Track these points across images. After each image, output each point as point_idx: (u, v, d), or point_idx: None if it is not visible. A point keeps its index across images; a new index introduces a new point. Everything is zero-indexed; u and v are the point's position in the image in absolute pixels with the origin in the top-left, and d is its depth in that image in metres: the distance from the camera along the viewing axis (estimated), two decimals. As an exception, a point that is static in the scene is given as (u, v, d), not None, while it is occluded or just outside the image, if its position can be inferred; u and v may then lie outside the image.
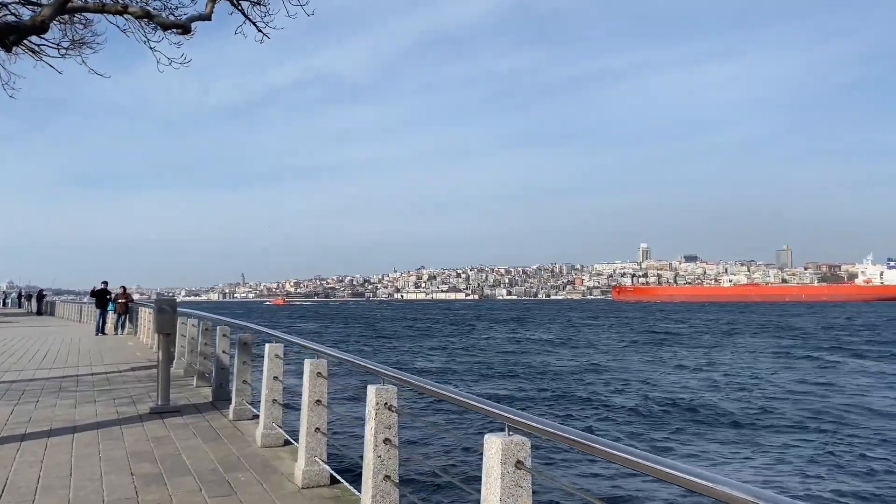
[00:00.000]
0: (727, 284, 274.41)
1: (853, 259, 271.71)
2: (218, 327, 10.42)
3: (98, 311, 25.20)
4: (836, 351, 35.70)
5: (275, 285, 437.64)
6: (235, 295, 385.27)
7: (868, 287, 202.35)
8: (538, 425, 3.16)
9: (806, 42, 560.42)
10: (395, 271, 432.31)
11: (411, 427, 14.27)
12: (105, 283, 25.96)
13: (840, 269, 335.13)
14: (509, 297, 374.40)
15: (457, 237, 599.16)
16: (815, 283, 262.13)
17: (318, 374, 6.14)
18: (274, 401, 7.36)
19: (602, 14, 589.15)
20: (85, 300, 39.80)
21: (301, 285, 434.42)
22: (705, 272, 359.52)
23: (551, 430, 3.08)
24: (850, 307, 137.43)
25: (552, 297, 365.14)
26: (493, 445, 3.29)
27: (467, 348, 37.60)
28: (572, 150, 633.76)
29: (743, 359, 31.35)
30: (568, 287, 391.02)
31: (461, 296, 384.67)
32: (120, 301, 25.18)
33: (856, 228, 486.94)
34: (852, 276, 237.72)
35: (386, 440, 4.76)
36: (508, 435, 3.31)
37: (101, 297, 25.33)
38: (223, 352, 10.12)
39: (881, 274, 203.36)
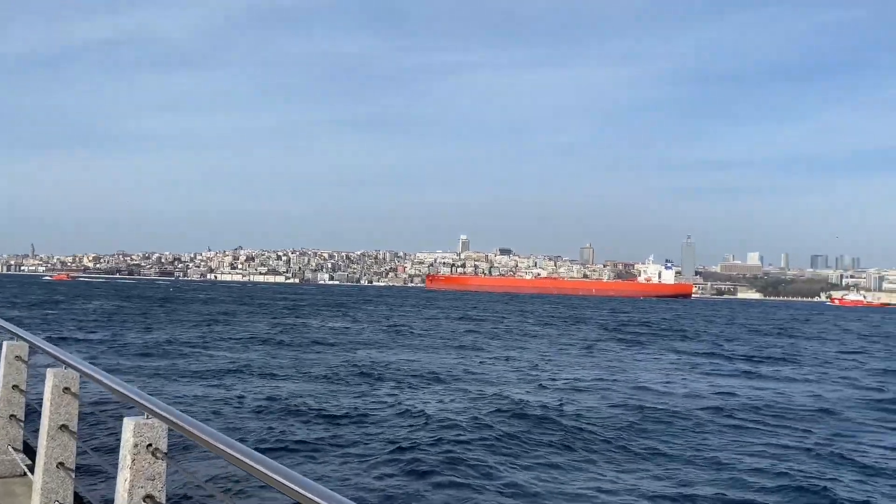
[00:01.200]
0: (529, 277, 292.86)
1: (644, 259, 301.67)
2: None
3: None
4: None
5: (70, 259, 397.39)
6: (23, 267, 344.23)
7: (648, 285, 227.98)
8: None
9: (620, 59, 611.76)
10: (210, 250, 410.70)
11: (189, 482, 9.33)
12: None
13: (634, 268, 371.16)
14: (331, 282, 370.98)
15: (279, 218, 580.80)
16: (605, 280, 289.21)
17: (66, 389, 4.47)
18: (12, 417, 5.51)
19: (441, 8, 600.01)
20: None
21: (101, 260, 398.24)
22: (517, 265, 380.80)
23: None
24: (629, 302, 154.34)
25: (374, 283, 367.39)
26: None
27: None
28: (402, 139, 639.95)
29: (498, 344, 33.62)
30: (391, 274, 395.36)
31: (281, 279, 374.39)
32: None
33: (646, 231, 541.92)
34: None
35: (147, 497, 3.43)
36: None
37: None
38: None
39: (659, 274, 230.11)
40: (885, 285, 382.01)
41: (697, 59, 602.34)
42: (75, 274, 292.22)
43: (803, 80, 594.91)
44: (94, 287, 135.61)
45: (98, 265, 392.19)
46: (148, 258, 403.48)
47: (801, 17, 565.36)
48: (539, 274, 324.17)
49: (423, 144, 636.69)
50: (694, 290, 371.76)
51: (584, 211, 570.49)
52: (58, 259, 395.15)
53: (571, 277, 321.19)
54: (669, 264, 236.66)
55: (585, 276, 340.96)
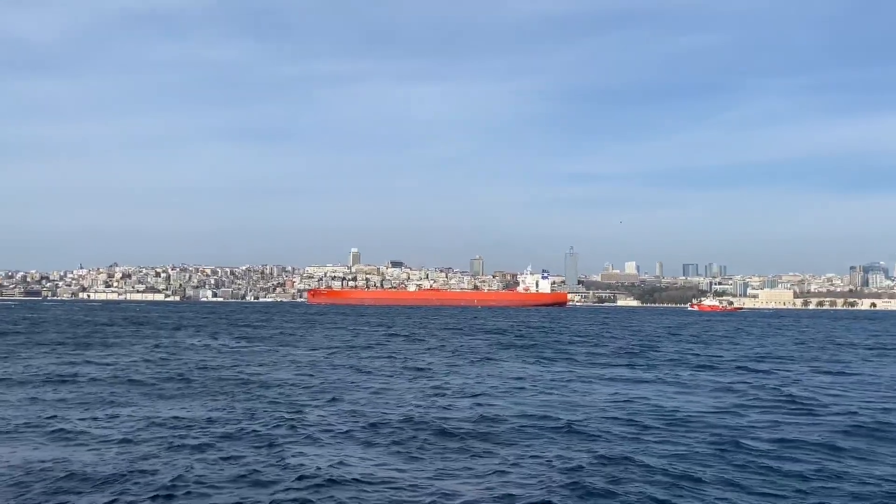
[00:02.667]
0: (413, 289, 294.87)
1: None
2: None
3: None
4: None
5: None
6: None
7: (527, 294, 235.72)
8: None
9: (501, 74, 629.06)
10: (81, 268, 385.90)
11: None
12: None
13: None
14: (215, 299, 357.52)
15: (158, 233, 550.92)
16: (485, 290, 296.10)
17: None
18: None
19: (321, 18, 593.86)
20: None
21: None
22: (409, 277, 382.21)
23: None
24: (509, 311, 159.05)
25: (261, 300, 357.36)
26: None
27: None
28: (288, 149, 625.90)
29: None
30: (278, 289, 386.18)
31: (160, 297, 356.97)
32: None
33: (532, 242, 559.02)
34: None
35: None
36: None
37: None
38: None
39: (537, 283, 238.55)
40: (749, 291, 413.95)
41: (576, 75, 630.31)
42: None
43: (669, 99, 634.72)
44: None
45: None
46: (11, 277, 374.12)
47: (665, 40, 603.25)
48: (421, 286, 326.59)
49: (307, 156, 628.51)
50: (576, 298, 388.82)
51: (473, 223, 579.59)
52: None
53: (461, 289, 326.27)
54: (546, 274, 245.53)
55: (476, 287, 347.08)
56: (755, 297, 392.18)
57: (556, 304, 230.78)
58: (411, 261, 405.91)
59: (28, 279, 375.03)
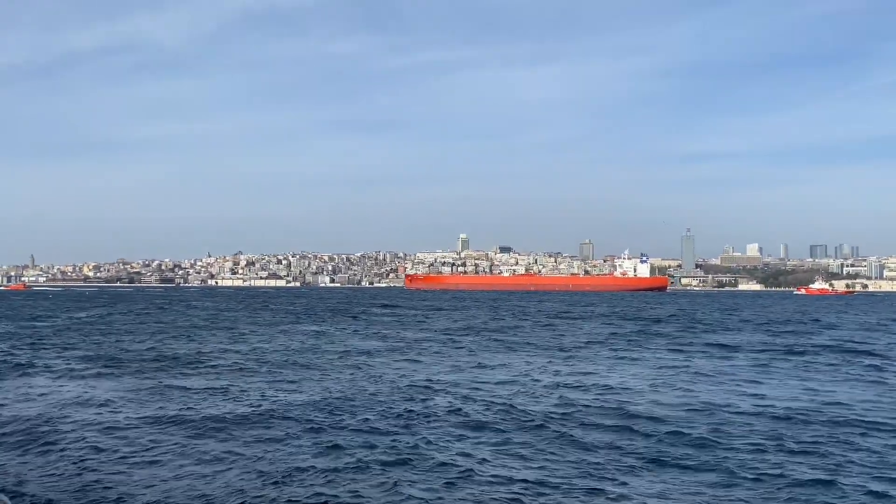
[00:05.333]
0: (506, 274, 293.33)
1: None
2: None
3: None
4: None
5: (70, 268, 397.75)
6: (23, 278, 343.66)
7: (624, 279, 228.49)
8: None
9: (610, 53, 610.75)
10: (210, 256, 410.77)
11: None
12: None
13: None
14: (332, 285, 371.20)
15: (278, 222, 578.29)
16: (581, 275, 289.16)
17: None
18: None
19: (434, 7, 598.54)
20: None
21: (101, 269, 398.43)
22: (518, 262, 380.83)
23: None
24: (605, 296, 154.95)
25: (375, 285, 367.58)
26: None
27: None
28: (399, 138, 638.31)
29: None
30: (391, 275, 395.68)
31: (282, 283, 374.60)
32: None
33: (643, 225, 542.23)
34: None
35: None
36: None
37: None
38: None
39: (635, 268, 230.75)
40: (886, 273, 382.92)
41: (688, 51, 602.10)
42: (86, 283, 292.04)
43: (793, 70, 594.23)
44: (44, 298, 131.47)
45: (98, 274, 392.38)
46: (148, 266, 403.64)
47: (789, 8, 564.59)
48: (516, 271, 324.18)
49: (418, 144, 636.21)
50: (693, 282, 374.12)
51: (583, 206, 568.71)
52: (58, 269, 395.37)
53: (561, 273, 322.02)
54: (645, 258, 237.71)
55: (586, 271, 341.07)
56: (894, 279, 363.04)
57: (656, 288, 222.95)
58: (520, 246, 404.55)
59: (163, 267, 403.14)
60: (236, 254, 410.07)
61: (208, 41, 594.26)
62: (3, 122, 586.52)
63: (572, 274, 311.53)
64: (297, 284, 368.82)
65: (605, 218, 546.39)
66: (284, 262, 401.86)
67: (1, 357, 28.65)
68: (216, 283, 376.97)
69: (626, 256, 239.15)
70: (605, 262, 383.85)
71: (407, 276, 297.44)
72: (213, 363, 26.55)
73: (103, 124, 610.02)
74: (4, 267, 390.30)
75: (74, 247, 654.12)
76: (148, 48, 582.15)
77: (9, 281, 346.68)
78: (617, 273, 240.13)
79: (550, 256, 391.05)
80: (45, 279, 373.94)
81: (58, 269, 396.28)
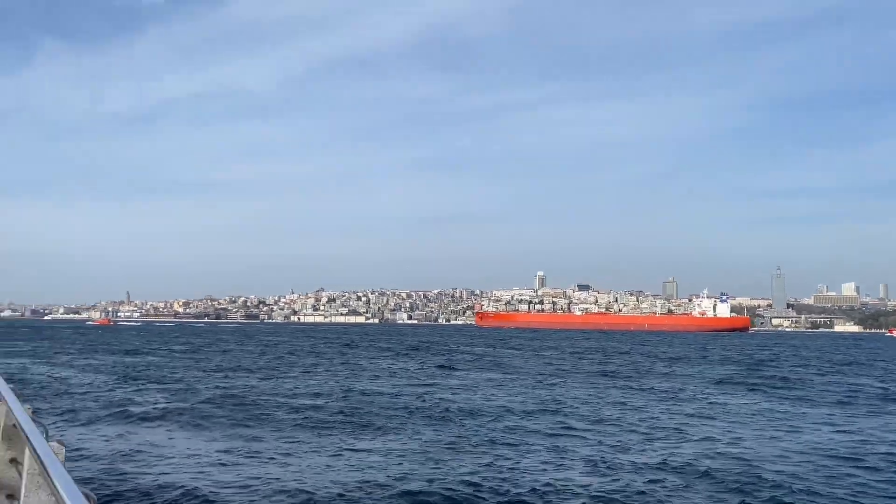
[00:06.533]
0: (579, 313, 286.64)
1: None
2: None
3: None
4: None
5: (162, 304, 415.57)
6: (119, 314, 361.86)
7: (702, 318, 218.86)
8: None
9: (690, 89, 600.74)
10: (293, 293, 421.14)
11: None
12: None
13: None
14: (410, 321, 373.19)
15: (358, 260, 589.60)
16: (657, 314, 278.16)
17: None
18: None
19: (510, 47, 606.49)
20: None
21: (191, 305, 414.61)
22: (597, 301, 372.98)
23: None
24: (681, 337, 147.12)
25: (452, 322, 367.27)
26: None
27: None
28: (477, 176, 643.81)
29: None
30: (468, 312, 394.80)
31: (361, 319, 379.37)
32: None
33: (732, 262, 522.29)
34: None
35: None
36: None
37: None
38: None
39: (714, 307, 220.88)
40: None
41: (777, 84, 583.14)
42: (178, 318, 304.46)
43: (888, 101, 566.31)
44: (125, 332, 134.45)
45: (188, 310, 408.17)
46: (234, 302, 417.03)
47: (879, 38, 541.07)
48: (588, 310, 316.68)
49: (496, 182, 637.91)
50: (785, 323, 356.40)
51: (666, 244, 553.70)
52: (151, 305, 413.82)
53: (639, 312, 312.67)
54: (724, 297, 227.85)
55: (669, 310, 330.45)
56: None
57: (737, 329, 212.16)
58: (600, 284, 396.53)
59: (248, 304, 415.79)
60: (318, 290, 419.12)
61: (294, 86, 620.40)
62: (104, 167, 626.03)
63: (651, 313, 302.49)
64: (376, 321, 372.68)
65: (690, 256, 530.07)
66: (364, 298, 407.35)
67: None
68: (298, 319, 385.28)
69: (704, 295, 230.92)
70: (689, 301, 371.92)
71: (477, 313, 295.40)
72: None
73: (194, 166, 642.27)
74: (102, 303, 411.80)
75: (168, 282, 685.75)
76: (238, 95, 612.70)
77: (105, 315, 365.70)
78: (695, 313, 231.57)
79: (632, 295, 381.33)
80: (138, 314, 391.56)
81: (150, 304, 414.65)
